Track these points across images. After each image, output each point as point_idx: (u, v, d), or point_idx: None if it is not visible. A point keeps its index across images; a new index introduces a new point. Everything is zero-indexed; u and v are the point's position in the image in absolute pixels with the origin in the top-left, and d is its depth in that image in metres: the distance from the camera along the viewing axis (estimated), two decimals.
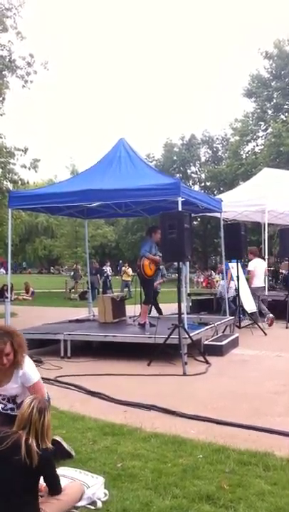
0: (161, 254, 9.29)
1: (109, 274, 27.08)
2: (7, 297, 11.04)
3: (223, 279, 13.94)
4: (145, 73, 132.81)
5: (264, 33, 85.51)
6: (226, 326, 10.91)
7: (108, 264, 28.47)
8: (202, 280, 33.45)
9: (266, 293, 14.66)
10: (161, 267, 11.11)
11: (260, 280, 13.10)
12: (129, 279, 24.67)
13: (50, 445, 3.07)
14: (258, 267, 13.15)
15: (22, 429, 3.02)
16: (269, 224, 15.65)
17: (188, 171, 49.01)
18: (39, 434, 3.00)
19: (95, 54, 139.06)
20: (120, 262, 40.52)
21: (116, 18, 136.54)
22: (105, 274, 26.64)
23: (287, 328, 12.31)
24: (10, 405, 4.04)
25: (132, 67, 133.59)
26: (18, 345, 3.78)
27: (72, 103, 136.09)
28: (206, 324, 9.90)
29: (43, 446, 2.98)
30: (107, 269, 27.19)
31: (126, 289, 24.10)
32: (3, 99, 17.43)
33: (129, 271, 25.23)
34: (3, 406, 4.04)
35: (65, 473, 3.53)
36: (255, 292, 12.96)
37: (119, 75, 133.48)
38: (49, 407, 3.69)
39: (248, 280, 13.11)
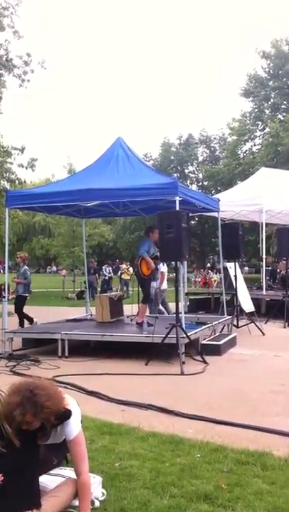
0: (158, 254, 9.30)
1: (108, 274, 27.01)
2: (4, 297, 11.02)
3: (221, 278, 13.91)
4: (143, 73, 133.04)
5: (264, 33, 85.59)
6: (224, 326, 10.92)
7: (108, 264, 28.44)
8: (200, 280, 33.46)
9: (264, 292, 14.71)
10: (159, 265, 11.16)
11: (165, 282, 13.00)
12: (129, 277, 24.68)
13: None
14: (166, 269, 12.97)
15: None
16: (267, 223, 15.67)
17: (186, 171, 48.95)
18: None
19: (93, 53, 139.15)
20: (117, 261, 40.49)
21: (115, 17, 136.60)
22: (105, 276, 26.60)
23: (285, 327, 12.33)
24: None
25: (129, 66, 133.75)
26: (46, 419, 3.04)
27: (70, 102, 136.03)
28: (203, 324, 9.90)
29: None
30: (108, 269, 27.15)
31: (125, 288, 24.13)
32: (0, 98, 17.42)
33: (130, 270, 25.23)
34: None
35: (62, 473, 3.52)
36: (162, 293, 12.58)
37: (116, 75, 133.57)
38: None
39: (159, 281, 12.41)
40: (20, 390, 3.07)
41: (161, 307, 12.38)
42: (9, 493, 2.93)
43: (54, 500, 3.09)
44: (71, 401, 3.36)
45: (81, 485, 3.18)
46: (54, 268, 66.15)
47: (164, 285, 12.80)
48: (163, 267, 12.53)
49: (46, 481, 3.38)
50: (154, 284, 12.60)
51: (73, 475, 3.47)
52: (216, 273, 31.23)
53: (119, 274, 28.30)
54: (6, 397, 3.07)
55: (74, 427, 3.23)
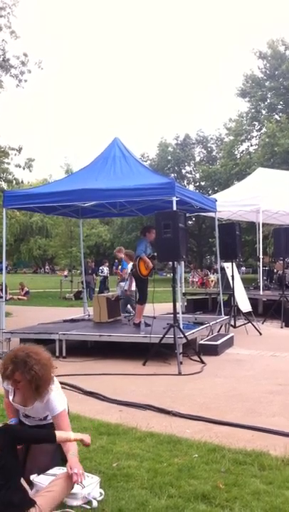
0: (155, 254, 9.30)
1: (106, 274, 26.99)
2: (1, 297, 11.01)
3: (218, 278, 13.91)
4: (140, 73, 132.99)
5: (262, 33, 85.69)
6: (221, 326, 10.93)
7: (106, 264, 28.43)
8: (197, 280, 33.49)
9: (261, 292, 14.73)
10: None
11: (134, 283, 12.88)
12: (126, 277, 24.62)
13: None
14: None
15: None
16: (263, 224, 15.70)
17: (183, 171, 49.01)
18: None
19: (90, 54, 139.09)
20: (116, 261, 40.43)
21: (113, 17, 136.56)
22: (103, 274, 26.56)
23: (282, 327, 12.35)
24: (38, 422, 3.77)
25: (126, 67, 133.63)
26: (30, 381, 3.33)
27: (67, 102, 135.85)
28: (201, 324, 9.92)
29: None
30: (105, 269, 27.14)
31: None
32: None
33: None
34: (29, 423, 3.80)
35: (60, 473, 3.52)
36: (131, 295, 12.23)
37: (114, 75, 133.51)
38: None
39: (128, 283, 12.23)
40: (17, 350, 3.48)
41: (129, 307, 12.33)
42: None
43: (49, 495, 3.12)
44: (56, 385, 3.62)
45: (66, 447, 3.42)
46: (47, 268, 66.45)
47: (134, 286, 12.69)
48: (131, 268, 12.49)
49: (43, 480, 3.39)
50: (122, 284, 12.56)
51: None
52: (213, 273, 31.27)
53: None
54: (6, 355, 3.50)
55: (58, 404, 3.53)
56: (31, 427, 3.71)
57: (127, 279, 12.35)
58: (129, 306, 12.41)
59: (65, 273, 36.58)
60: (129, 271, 12.31)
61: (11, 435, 3.13)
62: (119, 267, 14.19)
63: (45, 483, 3.31)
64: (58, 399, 3.55)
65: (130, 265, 12.49)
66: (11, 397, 3.74)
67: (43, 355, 3.48)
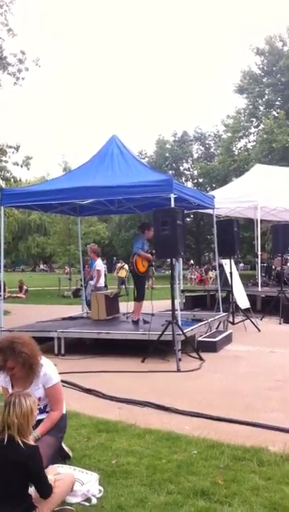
0: (154, 251, 9.31)
1: (105, 271, 27.00)
2: (0, 295, 10.98)
3: (216, 275, 13.91)
4: (138, 71, 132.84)
5: (261, 32, 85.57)
6: (220, 322, 10.94)
7: (104, 261, 28.42)
8: (195, 277, 33.51)
9: (259, 289, 14.74)
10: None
11: (103, 279, 12.82)
12: (124, 275, 24.63)
13: (29, 441, 3.06)
14: (103, 266, 12.81)
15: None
16: (261, 220, 15.69)
17: (181, 168, 49.04)
18: (14, 429, 3.01)
19: (89, 52, 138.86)
20: (114, 258, 40.45)
21: (113, 17, 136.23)
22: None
23: (280, 324, 12.36)
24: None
25: (124, 65, 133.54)
26: (23, 362, 3.64)
27: (65, 100, 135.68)
28: (199, 321, 9.93)
29: (21, 440, 2.99)
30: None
31: (122, 286, 24.05)
32: None
33: (126, 267, 25.18)
34: None
35: (60, 471, 3.53)
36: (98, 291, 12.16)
37: (111, 73, 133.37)
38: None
39: (95, 279, 12.32)
40: (1, 342, 3.75)
41: None
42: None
43: (50, 497, 3.10)
44: (46, 361, 3.93)
45: (49, 416, 3.89)
46: (44, 266, 66.62)
47: (101, 282, 12.50)
48: (99, 264, 12.43)
49: None
50: (91, 283, 12.46)
51: (69, 471, 3.49)
52: (211, 270, 31.28)
53: (115, 273, 28.23)
54: None
55: (53, 376, 3.91)
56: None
57: (94, 276, 12.31)
58: None
59: (66, 270, 36.59)
60: (97, 267, 12.30)
61: (30, 465, 3.03)
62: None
63: None
64: (53, 371, 3.94)
65: (98, 261, 12.48)
66: (10, 391, 3.79)
67: (24, 337, 3.82)
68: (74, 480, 3.36)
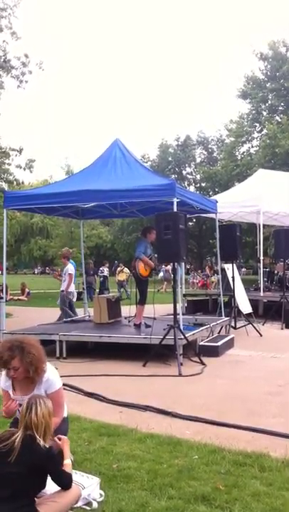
0: (156, 255, 9.31)
1: (107, 274, 27.02)
2: (2, 298, 11.00)
3: (219, 280, 13.88)
4: (141, 74, 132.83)
5: (263, 34, 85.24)
6: (222, 327, 10.92)
7: (106, 265, 28.44)
8: (198, 281, 33.46)
9: (261, 294, 14.72)
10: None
11: (73, 284, 12.77)
12: (124, 278, 24.63)
13: (46, 443, 3.07)
14: (74, 271, 12.63)
15: (19, 428, 3.09)
16: (264, 225, 15.70)
17: (184, 172, 49.00)
18: (35, 430, 3.04)
19: (90, 54, 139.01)
20: (116, 262, 40.47)
21: (113, 17, 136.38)
22: (103, 275, 26.56)
23: (282, 329, 12.34)
24: None
25: (127, 68, 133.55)
26: (30, 363, 3.62)
27: (68, 103, 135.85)
28: (201, 325, 9.91)
29: (40, 443, 3.01)
30: (105, 269, 27.14)
31: (122, 290, 24.04)
32: None
33: (126, 270, 25.18)
34: None
35: None
36: (67, 296, 12.33)
37: (115, 76, 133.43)
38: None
39: (66, 284, 12.23)
40: (12, 339, 3.76)
41: (67, 309, 12.23)
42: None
43: (53, 505, 3.08)
44: (50, 367, 3.90)
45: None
46: (38, 269, 66.81)
47: (72, 287, 12.44)
48: (71, 269, 12.32)
49: (48, 486, 3.35)
50: (62, 286, 12.29)
51: (73, 477, 3.47)
52: (213, 274, 31.25)
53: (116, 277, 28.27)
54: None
55: (56, 381, 3.87)
56: None
57: (64, 280, 12.26)
58: (67, 308, 12.19)
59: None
60: (68, 271, 12.21)
61: (50, 467, 3.07)
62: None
63: (48, 488, 3.26)
64: (56, 377, 3.92)
65: (69, 265, 12.37)
66: (12, 395, 3.80)
67: (33, 340, 3.83)
68: (80, 493, 3.32)
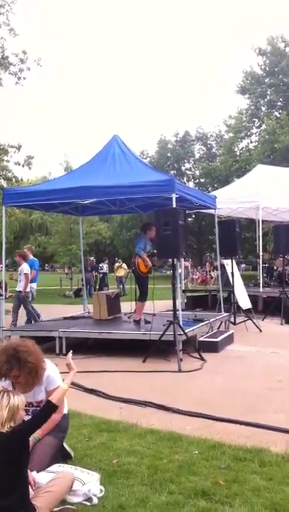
0: (155, 251, 9.31)
1: (106, 271, 27.04)
2: (1, 295, 10.99)
3: (218, 276, 13.88)
4: (140, 71, 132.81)
5: (262, 31, 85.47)
6: (221, 323, 10.93)
7: (106, 261, 28.43)
8: (197, 277, 33.45)
9: (261, 289, 14.73)
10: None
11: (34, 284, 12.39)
12: (122, 274, 24.62)
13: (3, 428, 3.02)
14: (30, 270, 12.15)
15: None
16: (263, 221, 15.68)
17: (183, 168, 48.93)
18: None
19: (90, 51, 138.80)
20: (116, 258, 40.45)
21: (113, 17, 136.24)
22: (102, 271, 26.57)
23: (282, 324, 12.34)
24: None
25: (126, 64, 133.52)
26: (29, 372, 3.58)
27: (67, 100, 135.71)
28: (201, 321, 9.92)
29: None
30: (104, 266, 27.14)
31: (121, 286, 24.04)
32: None
33: (124, 266, 25.17)
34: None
35: (60, 470, 3.53)
36: (25, 297, 12.01)
37: (113, 73, 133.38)
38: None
39: (23, 284, 11.85)
40: (6, 350, 3.60)
41: (30, 309, 12.04)
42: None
43: (49, 495, 3.10)
44: (50, 364, 3.95)
45: (50, 418, 3.48)
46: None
47: (29, 287, 12.14)
48: (26, 268, 11.98)
49: (42, 478, 3.38)
50: (19, 287, 11.94)
51: (73, 473, 3.48)
52: (213, 270, 31.23)
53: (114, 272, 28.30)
54: None
55: (56, 378, 3.92)
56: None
57: (20, 280, 11.99)
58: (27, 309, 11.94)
59: (67, 270, 36.56)
60: (24, 271, 11.87)
61: (22, 433, 3.05)
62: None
63: (44, 482, 3.30)
64: (56, 374, 3.98)
65: (24, 265, 12.05)
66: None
67: (28, 343, 3.72)
68: (73, 478, 3.34)
